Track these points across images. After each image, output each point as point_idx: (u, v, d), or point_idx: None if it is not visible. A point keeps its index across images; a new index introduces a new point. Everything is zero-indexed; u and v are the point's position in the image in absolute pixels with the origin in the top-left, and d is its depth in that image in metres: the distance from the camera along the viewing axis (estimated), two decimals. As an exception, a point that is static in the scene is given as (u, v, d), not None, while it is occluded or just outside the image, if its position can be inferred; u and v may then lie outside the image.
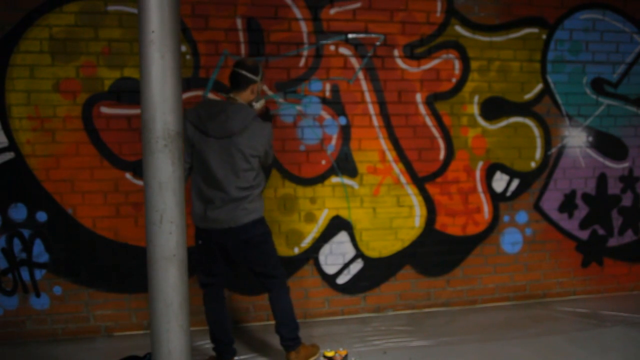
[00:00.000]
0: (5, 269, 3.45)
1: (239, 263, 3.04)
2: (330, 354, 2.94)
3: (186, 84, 3.50)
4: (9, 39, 3.31)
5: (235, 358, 3.15)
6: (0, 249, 3.42)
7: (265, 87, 3.60)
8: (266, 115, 3.24)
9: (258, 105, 2.93)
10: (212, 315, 3.02)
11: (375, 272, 3.95)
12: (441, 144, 3.97)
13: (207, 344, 3.35)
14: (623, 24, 4.20)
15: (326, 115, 3.77)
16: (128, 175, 3.53)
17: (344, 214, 3.86)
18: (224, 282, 3.09)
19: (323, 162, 3.79)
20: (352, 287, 3.93)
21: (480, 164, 4.05)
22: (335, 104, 3.77)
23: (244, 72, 2.83)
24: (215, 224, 2.81)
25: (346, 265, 3.90)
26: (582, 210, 4.29)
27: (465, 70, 3.95)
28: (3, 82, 3.34)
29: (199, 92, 3.56)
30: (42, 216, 3.45)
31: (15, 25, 3.31)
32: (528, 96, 4.09)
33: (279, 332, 3.04)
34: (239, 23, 3.58)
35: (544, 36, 4.06)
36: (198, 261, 3.02)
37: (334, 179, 3.82)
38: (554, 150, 4.19)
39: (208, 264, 2.98)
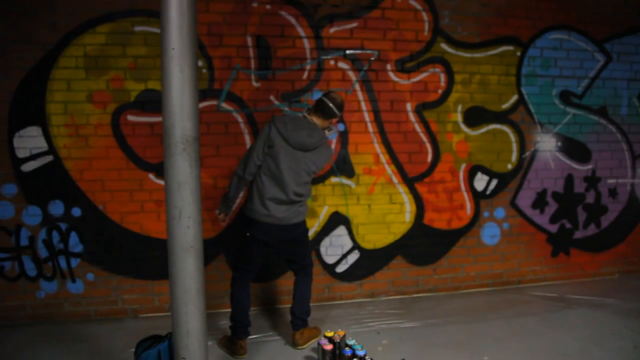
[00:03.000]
0: (46, 258, 3.44)
1: (277, 255, 3.18)
2: (330, 334, 2.92)
3: (202, 94, 3.48)
4: (50, 57, 3.31)
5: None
6: (41, 240, 3.41)
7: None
8: None
9: (329, 133, 3.04)
10: (238, 298, 2.95)
11: (370, 262, 3.92)
12: (429, 148, 3.93)
13: (223, 324, 3.33)
14: (586, 43, 4.17)
15: (327, 123, 3.74)
16: (151, 176, 3.51)
17: (342, 210, 3.84)
18: (255, 272, 3.01)
19: (324, 164, 3.77)
20: (349, 275, 3.90)
21: (463, 166, 4.02)
22: (334, 113, 3.74)
23: (331, 106, 2.92)
24: (271, 219, 2.83)
25: (344, 256, 3.88)
26: (552, 207, 4.26)
27: (450, 82, 3.92)
28: (44, 94, 3.33)
29: (214, 102, 3.54)
30: (76, 211, 3.43)
31: (55, 44, 3.31)
32: (505, 106, 4.05)
33: (293, 311, 3.06)
34: (249, 41, 3.55)
35: (519, 53, 4.03)
36: (239, 249, 2.96)
37: (334, 179, 3.80)
38: (527, 153, 4.15)
39: (248, 253, 2.92)
